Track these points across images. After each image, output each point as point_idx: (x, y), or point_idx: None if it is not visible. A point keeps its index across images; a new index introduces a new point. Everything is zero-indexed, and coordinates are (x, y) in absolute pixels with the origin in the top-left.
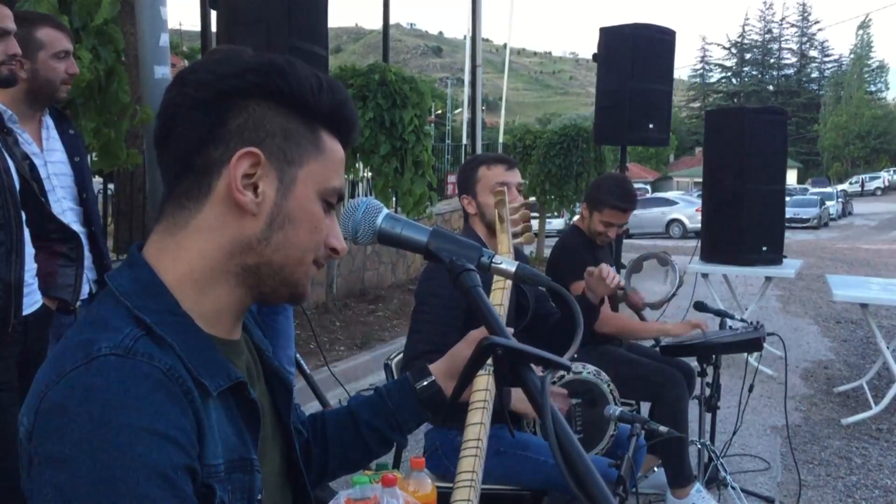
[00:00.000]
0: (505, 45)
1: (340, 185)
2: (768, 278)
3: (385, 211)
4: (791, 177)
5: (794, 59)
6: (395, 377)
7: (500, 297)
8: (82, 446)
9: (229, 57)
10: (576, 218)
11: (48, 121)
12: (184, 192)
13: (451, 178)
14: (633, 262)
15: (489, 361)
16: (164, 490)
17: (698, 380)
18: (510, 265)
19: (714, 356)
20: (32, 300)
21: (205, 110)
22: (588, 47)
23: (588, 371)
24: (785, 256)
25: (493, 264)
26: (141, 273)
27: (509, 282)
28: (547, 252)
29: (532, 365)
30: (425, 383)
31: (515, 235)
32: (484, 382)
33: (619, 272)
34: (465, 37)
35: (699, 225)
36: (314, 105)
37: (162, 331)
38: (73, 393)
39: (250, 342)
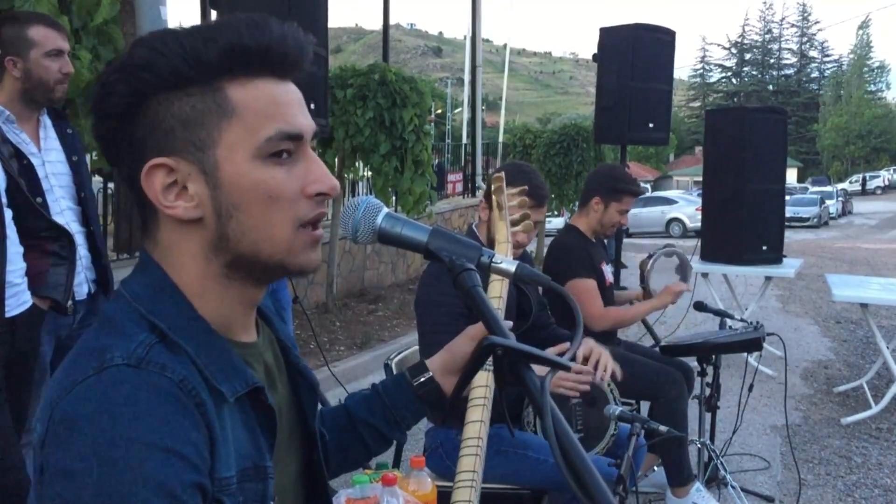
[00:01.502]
0: (505, 45)
1: (283, 125)
2: (768, 278)
3: (385, 210)
4: (791, 176)
5: (793, 59)
6: None
7: (498, 289)
8: (90, 460)
9: (101, 83)
10: (572, 217)
11: (46, 120)
12: (143, 213)
13: (451, 178)
14: (643, 268)
15: (489, 361)
16: None
17: (698, 379)
18: (510, 265)
19: (714, 356)
20: (20, 301)
21: (114, 142)
22: (588, 47)
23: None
24: (785, 256)
25: (493, 264)
26: (152, 276)
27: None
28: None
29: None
30: (423, 379)
31: (514, 223)
32: (484, 379)
33: (618, 270)
34: (465, 37)
35: (699, 224)
36: (201, 70)
37: (176, 336)
38: (84, 405)
39: (276, 341)
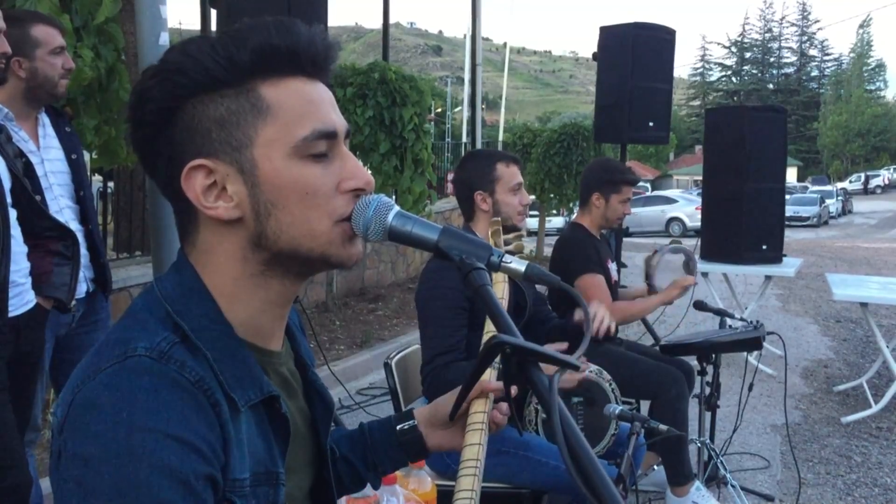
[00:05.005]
0: (505, 44)
1: (318, 125)
2: (768, 277)
3: (396, 208)
4: (791, 175)
5: (793, 58)
6: (396, 377)
7: (500, 291)
8: (108, 446)
9: (136, 90)
10: (574, 215)
11: (45, 118)
12: (181, 218)
13: (452, 176)
14: (648, 264)
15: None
16: (184, 497)
17: (698, 378)
18: (520, 264)
19: (714, 355)
20: (23, 300)
21: (151, 149)
22: (588, 46)
23: (590, 370)
24: (785, 255)
25: (502, 263)
26: (184, 276)
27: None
28: (547, 251)
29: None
30: (406, 426)
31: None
32: (483, 405)
33: (619, 269)
34: (465, 36)
35: (699, 223)
36: (233, 71)
37: (197, 339)
38: (105, 391)
39: (293, 356)
